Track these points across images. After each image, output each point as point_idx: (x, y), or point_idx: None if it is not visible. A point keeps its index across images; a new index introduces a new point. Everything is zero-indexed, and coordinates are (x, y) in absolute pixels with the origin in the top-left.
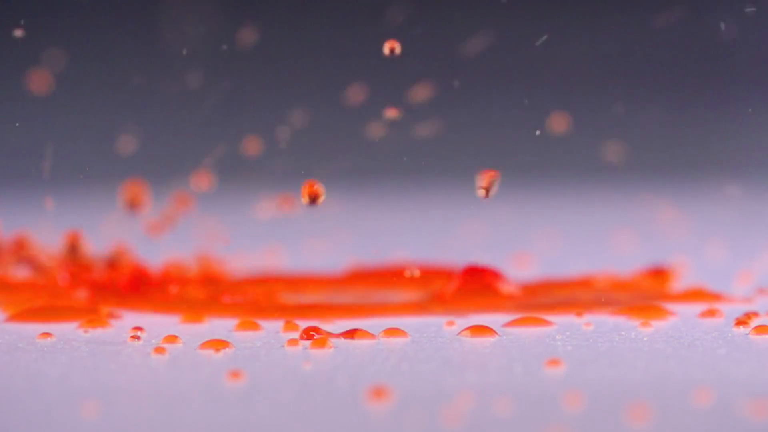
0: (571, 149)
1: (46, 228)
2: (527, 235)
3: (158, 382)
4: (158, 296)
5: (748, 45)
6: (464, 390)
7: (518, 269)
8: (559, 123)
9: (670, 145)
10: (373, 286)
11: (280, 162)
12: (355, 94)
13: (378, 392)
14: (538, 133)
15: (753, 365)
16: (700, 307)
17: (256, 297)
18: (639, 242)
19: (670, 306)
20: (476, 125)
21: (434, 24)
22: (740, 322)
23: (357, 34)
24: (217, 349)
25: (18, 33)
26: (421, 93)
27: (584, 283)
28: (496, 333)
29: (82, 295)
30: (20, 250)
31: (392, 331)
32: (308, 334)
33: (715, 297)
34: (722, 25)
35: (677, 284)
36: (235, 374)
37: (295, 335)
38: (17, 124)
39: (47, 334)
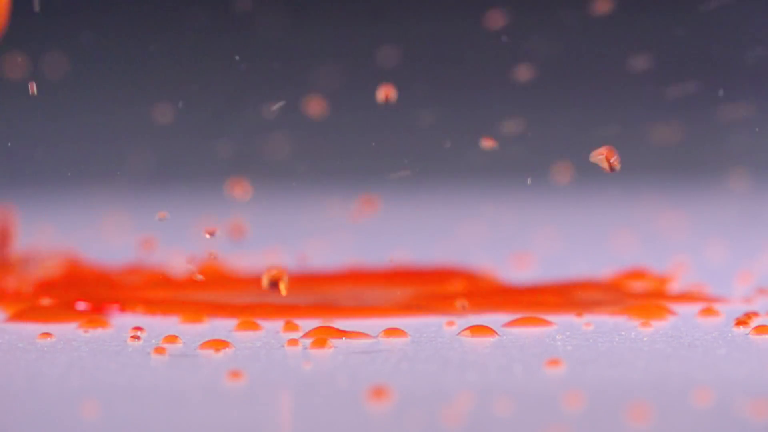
0: (571, 149)
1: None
2: (527, 235)
3: (158, 382)
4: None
5: (748, 45)
6: (464, 390)
7: (518, 269)
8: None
9: (669, 145)
10: (370, 286)
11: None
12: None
13: (378, 392)
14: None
15: (753, 365)
16: (697, 307)
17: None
18: (639, 242)
19: (664, 305)
20: (477, 125)
21: (435, 25)
22: (740, 322)
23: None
24: (217, 349)
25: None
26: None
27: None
28: (496, 333)
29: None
30: None
31: (392, 331)
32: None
33: (711, 299)
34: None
35: (676, 285)
36: (235, 374)
37: (295, 335)
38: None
39: (47, 334)
